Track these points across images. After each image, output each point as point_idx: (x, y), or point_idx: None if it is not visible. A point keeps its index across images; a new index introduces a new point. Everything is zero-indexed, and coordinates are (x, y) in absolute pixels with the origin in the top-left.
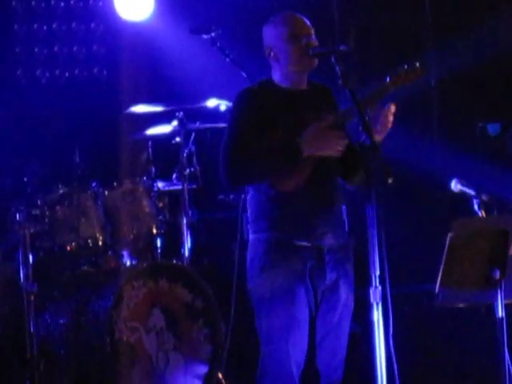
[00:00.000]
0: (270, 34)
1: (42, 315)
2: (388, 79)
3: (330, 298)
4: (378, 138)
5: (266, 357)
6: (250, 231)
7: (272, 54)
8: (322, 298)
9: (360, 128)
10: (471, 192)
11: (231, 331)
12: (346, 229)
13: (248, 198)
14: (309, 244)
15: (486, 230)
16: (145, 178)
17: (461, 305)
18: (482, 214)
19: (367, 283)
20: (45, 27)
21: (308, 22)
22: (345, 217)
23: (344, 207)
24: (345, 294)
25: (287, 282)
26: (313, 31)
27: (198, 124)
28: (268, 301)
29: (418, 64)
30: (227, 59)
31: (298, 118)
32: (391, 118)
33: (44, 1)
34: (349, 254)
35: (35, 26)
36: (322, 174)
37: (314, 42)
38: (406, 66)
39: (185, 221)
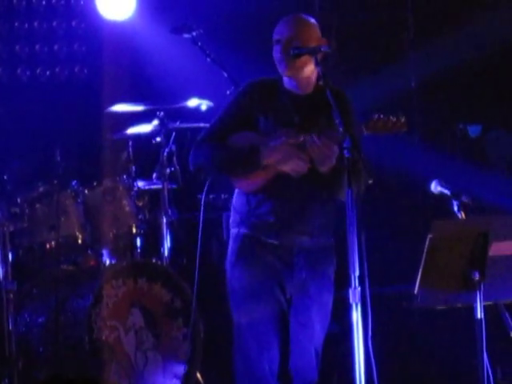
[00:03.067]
0: None
1: (21, 313)
2: (371, 120)
3: (299, 298)
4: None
5: (236, 354)
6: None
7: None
8: (291, 298)
9: (340, 129)
10: (451, 194)
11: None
12: (331, 232)
13: (235, 191)
14: (277, 242)
15: (465, 231)
16: (125, 177)
17: (440, 306)
18: (461, 215)
19: (347, 284)
20: (26, 25)
21: (298, 24)
22: (331, 219)
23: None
24: (317, 296)
25: (254, 278)
26: (303, 33)
27: (178, 124)
28: (236, 297)
29: (403, 119)
30: (208, 59)
31: (283, 121)
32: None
33: None
34: (328, 255)
35: (16, 24)
36: (306, 176)
37: (292, 43)
38: (391, 117)
39: (164, 220)
